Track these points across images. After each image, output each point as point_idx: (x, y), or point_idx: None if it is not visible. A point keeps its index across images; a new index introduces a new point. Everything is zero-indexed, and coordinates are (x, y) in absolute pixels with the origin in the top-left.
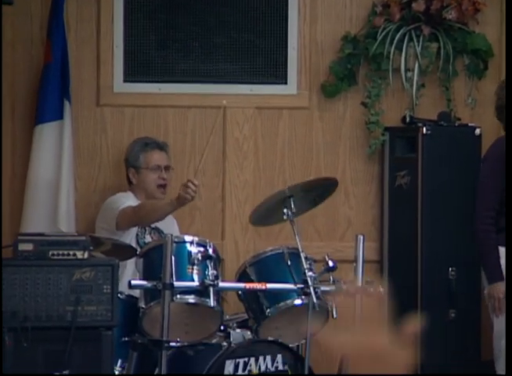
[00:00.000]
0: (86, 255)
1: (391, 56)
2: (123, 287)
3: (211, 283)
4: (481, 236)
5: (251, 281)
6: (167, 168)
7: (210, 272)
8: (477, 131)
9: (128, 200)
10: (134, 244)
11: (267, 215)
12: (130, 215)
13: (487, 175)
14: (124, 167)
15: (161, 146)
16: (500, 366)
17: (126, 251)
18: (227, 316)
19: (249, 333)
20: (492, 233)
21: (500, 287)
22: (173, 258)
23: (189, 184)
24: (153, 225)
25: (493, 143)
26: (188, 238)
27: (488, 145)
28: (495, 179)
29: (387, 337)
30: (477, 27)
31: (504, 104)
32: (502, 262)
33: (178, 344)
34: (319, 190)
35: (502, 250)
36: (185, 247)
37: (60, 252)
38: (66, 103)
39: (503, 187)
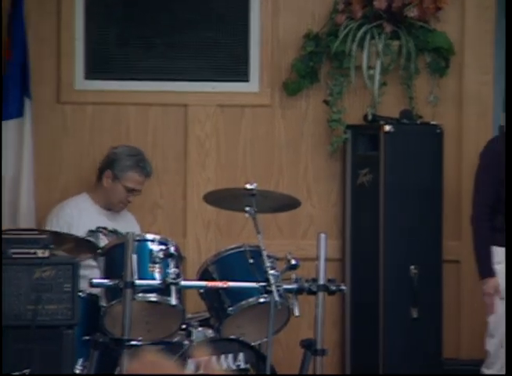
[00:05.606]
0: (47, 254)
1: (353, 54)
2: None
3: (173, 281)
4: (476, 233)
5: (213, 279)
6: (138, 191)
7: (172, 270)
8: (439, 129)
9: (69, 214)
10: None
11: (224, 199)
12: None
13: (478, 174)
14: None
15: (149, 175)
16: (488, 366)
17: (87, 249)
18: (189, 315)
19: (211, 331)
20: (486, 229)
21: (489, 283)
22: (134, 256)
23: None
24: (111, 228)
25: (489, 140)
26: (149, 236)
27: (448, 142)
28: (486, 177)
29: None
30: (438, 25)
31: None
32: (496, 260)
33: (140, 342)
34: (280, 203)
35: (497, 250)
36: (147, 246)
37: (21, 251)
38: (27, 101)
39: (498, 185)
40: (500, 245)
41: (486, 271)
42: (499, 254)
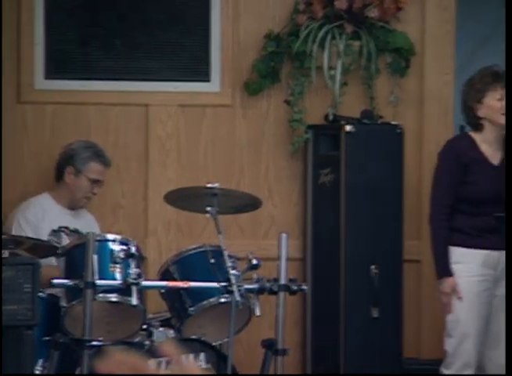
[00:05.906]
0: (6, 254)
1: (314, 54)
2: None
3: (134, 281)
4: (434, 232)
5: (174, 279)
6: (101, 181)
7: (133, 270)
8: (399, 129)
9: (34, 214)
10: None
11: (185, 198)
12: None
13: (437, 173)
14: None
15: (108, 164)
16: (446, 366)
17: (47, 249)
18: (150, 315)
19: (172, 332)
20: (444, 229)
21: (446, 283)
22: (95, 256)
23: None
24: (72, 228)
25: (449, 140)
26: (110, 236)
27: (409, 142)
28: (445, 177)
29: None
30: (398, 26)
31: (465, 99)
32: (454, 260)
33: (101, 343)
34: (241, 202)
35: (454, 249)
36: (108, 246)
37: None
38: None
39: (457, 184)
40: (458, 245)
41: (443, 270)
42: (456, 254)
